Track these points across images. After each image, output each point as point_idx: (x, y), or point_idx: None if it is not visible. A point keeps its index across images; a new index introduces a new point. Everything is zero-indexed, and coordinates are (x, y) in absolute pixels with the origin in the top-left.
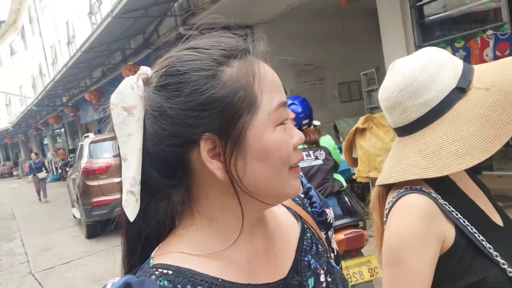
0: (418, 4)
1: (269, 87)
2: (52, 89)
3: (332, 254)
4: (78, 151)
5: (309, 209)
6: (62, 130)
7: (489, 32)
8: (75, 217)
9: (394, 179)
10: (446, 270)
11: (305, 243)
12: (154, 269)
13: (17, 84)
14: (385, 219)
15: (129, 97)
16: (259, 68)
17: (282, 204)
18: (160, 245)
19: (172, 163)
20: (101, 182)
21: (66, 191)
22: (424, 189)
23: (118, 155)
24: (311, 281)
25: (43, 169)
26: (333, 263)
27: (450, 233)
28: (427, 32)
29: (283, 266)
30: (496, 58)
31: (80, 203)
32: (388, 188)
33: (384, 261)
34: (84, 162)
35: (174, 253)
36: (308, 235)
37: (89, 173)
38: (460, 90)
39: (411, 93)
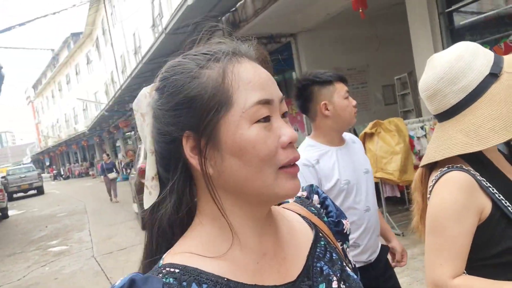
0: (447, 10)
1: (247, 86)
2: (120, 96)
3: (349, 265)
4: (137, 153)
5: (325, 219)
6: (132, 133)
7: None
8: (135, 212)
9: (440, 157)
10: (483, 238)
11: (318, 250)
12: (162, 268)
13: (93, 90)
14: (428, 195)
15: (143, 105)
16: (236, 68)
17: (296, 213)
18: (173, 246)
19: (168, 159)
20: None
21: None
22: (464, 167)
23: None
24: (322, 287)
25: (114, 169)
26: (349, 272)
27: (486, 205)
28: (456, 38)
29: (293, 270)
30: None
31: (136, 199)
32: (430, 169)
33: (427, 230)
34: (140, 162)
35: (183, 253)
36: (322, 243)
37: (143, 173)
38: (493, 76)
39: (449, 80)
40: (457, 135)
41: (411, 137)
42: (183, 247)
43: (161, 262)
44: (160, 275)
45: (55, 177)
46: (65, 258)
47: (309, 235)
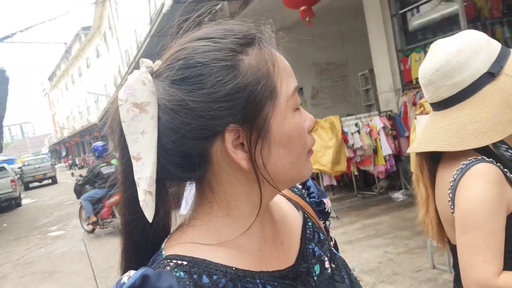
0: (400, 12)
1: (284, 73)
2: None
3: (331, 243)
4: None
5: (307, 199)
6: None
7: None
8: None
9: (422, 149)
10: (510, 229)
11: (308, 231)
12: (168, 261)
13: (103, 83)
14: (450, 190)
15: (142, 93)
16: (275, 54)
17: (281, 195)
18: (170, 236)
19: (193, 157)
20: None
21: None
22: (486, 158)
23: (124, 154)
24: (317, 268)
25: None
26: (334, 251)
27: None
28: (409, 38)
29: (290, 254)
30: None
31: None
32: (430, 158)
33: (462, 227)
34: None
35: (186, 243)
36: (310, 224)
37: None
38: (491, 75)
39: (444, 74)
40: (439, 131)
41: (345, 133)
42: (185, 236)
43: (163, 253)
44: (168, 268)
45: (70, 167)
46: (59, 241)
47: (298, 217)
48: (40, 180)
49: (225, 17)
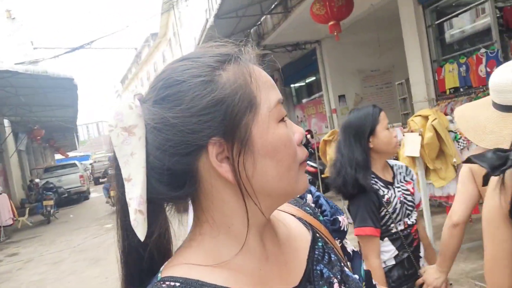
0: (436, 22)
1: (265, 86)
2: None
3: (348, 263)
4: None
5: (320, 218)
6: None
7: (482, 50)
8: None
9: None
10: None
11: (316, 252)
12: (161, 282)
13: None
14: None
15: (129, 117)
16: (253, 68)
17: (292, 214)
18: (170, 259)
19: (179, 174)
20: None
21: None
22: None
23: (118, 176)
24: None
25: None
26: (348, 272)
27: None
28: (444, 49)
29: (294, 275)
30: (488, 74)
31: None
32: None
33: None
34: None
35: (182, 264)
36: (320, 244)
37: None
38: None
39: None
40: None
41: None
42: (181, 258)
43: (159, 275)
44: None
45: None
46: (112, 233)
47: (307, 237)
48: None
49: (268, 29)
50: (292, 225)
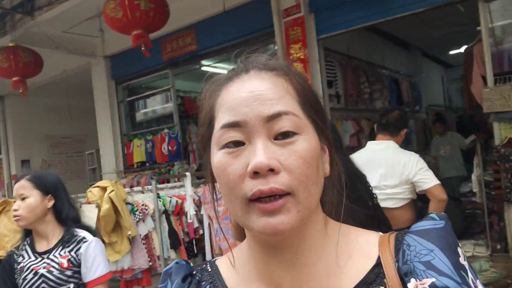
0: (128, 99)
1: (222, 108)
2: None
3: None
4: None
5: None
6: None
7: (165, 130)
8: None
9: None
10: None
11: None
12: (207, 262)
13: None
14: None
15: None
16: (224, 90)
17: (380, 255)
18: None
19: None
20: None
21: None
22: None
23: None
24: None
25: None
26: None
27: None
28: (134, 125)
29: None
30: (169, 152)
31: None
32: None
33: None
34: None
35: (227, 257)
36: None
37: None
38: None
39: None
40: None
41: None
42: (234, 250)
43: (218, 257)
44: (199, 268)
45: None
46: None
47: (355, 276)
48: None
49: None
50: (355, 265)
